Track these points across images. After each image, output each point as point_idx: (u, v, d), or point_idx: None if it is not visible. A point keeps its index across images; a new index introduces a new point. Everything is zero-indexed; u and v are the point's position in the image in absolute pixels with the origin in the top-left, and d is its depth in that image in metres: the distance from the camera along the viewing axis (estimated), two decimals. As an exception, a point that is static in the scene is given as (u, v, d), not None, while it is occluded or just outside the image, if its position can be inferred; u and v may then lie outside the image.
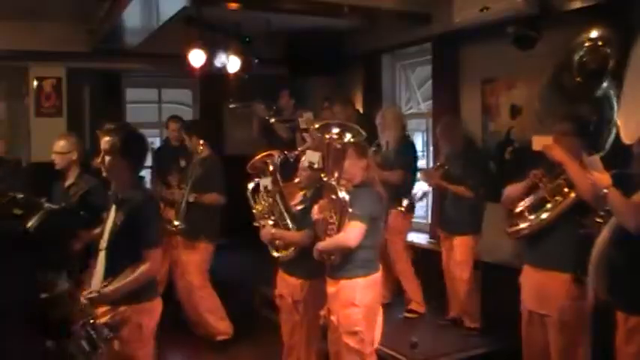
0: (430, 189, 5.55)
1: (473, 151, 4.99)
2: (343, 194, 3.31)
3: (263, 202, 4.04)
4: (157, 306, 3.05)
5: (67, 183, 4.16)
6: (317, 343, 3.92)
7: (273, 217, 3.97)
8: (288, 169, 4.21)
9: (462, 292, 4.79)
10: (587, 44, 3.31)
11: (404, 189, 5.08)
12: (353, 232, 3.30)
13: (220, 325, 5.11)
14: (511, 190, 3.51)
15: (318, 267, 3.63)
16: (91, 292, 2.88)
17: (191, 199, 4.91)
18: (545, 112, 3.52)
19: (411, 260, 5.26)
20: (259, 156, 4.09)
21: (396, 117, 5.30)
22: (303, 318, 3.88)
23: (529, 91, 5.08)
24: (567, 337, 3.21)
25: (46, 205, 3.55)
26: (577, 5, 4.36)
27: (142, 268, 2.88)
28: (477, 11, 4.71)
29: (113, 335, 2.87)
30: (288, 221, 3.90)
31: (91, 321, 2.85)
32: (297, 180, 4.00)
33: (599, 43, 3.24)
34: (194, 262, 5.08)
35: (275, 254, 3.93)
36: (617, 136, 2.99)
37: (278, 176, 4.04)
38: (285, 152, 4.37)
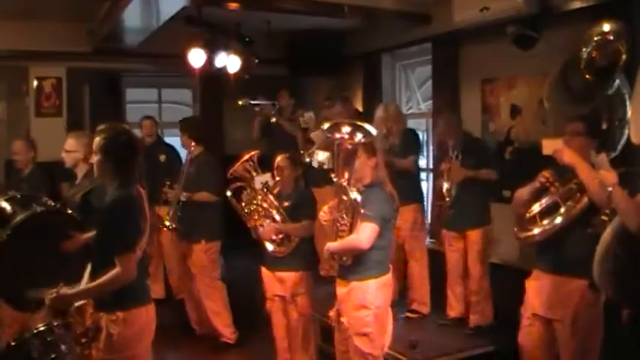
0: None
1: (475, 140, 4.98)
2: (355, 195, 3.25)
3: (254, 202, 4.06)
4: (135, 317, 2.85)
5: (77, 182, 4.16)
6: (315, 339, 3.95)
7: (271, 214, 4.01)
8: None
9: (476, 290, 4.72)
10: (596, 39, 3.21)
11: (408, 182, 5.07)
12: (366, 234, 3.24)
13: (225, 330, 5.10)
14: (519, 193, 3.41)
15: (312, 259, 3.68)
16: (52, 293, 2.80)
17: (183, 199, 4.91)
18: (555, 112, 3.46)
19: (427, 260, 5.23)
20: (239, 162, 4.14)
21: (398, 110, 5.31)
22: (302, 312, 3.93)
23: (529, 91, 5.09)
24: (580, 342, 3.16)
25: (34, 204, 3.58)
26: (577, 5, 4.37)
27: (111, 273, 2.73)
28: (477, 11, 4.71)
29: (88, 341, 2.83)
30: (285, 216, 4.01)
31: (56, 324, 2.83)
32: (277, 179, 4.08)
33: (610, 37, 3.14)
34: (200, 264, 5.04)
35: (277, 250, 3.99)
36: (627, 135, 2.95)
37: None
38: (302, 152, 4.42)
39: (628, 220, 2.72)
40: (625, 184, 2.79)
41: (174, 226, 4.88)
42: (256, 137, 6.37)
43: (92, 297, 2.87)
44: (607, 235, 2.86)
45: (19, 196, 3.74)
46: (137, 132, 6.38)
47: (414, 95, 6.96)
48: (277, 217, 4.06)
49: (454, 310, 4.91)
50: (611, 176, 2.80)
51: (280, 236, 4.00)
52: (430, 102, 6.37)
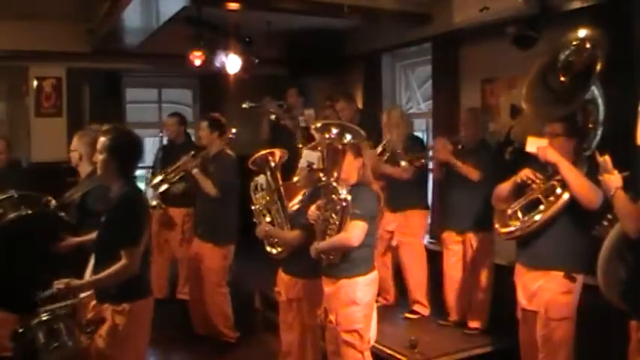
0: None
1: (486, 144, 4.91)
2: (345, 194, 3.30)
3: (261, 200, 4.07)
4: (139, 309, 2.98)
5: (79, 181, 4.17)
6: (315, 342, 3.92)
7: (270, 215, 4.00)
8: (291, 168, 4.21)
9: (478, 294, 4.71)
10: (574, 44, 3.31)
11: (417, 186, 5.08)
12: (355, 232, 3.31)
13: (227, 331, 5.09)
14: (499, 189, 3.51)
15: (313, 266, 3.65)
16: (60, 283, 2.90)
17: (194, 171, 4.95)
18: (535, 113, 3.52)
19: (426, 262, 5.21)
20: (262, 152, 4.11)
21: (401, 116, 5.24)
22: (297, 316, 3.90)
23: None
24: (551, 330, 3.24)
25: (23, 206, 3.58)
26: (577, 5, 4.36)
27: (117, 265, 2.86)
28: (477, 11, 4.71)
29: (92, 331, 2.92)
30: (284, 220, 3.93)
31: (63, 312, 2.90)
32: (295, 179, 4.01)
33: (587, 43, 3.25)
34: (212, 266, 4.99)
35: (270, 251, 3.98)
36: (631, 136, 2.95)
37: (278, 174, 4.06)
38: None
39: (627, 226, 2.74)
40: (628, 188, 2.79)
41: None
42: (265, 137, 6.34)
43: (98, 287, 2.96)
44: (610, 241, 2.87)
45: (16, 195, 3.72)
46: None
47: (414, 95, 6.96)
48: (281, 220, 3.99)
49: (453, 313, 4.90)
50: (615, 179, 2.80)
51: (273, 239, 3.99)
52: (430, 102, 6.37)
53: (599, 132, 3.27)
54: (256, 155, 4.08)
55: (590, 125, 3.27)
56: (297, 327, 3.89)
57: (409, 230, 5.12)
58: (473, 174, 4.59)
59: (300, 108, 6.23)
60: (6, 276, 3.42)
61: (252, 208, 4.09)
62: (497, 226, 3.50)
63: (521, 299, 3.44)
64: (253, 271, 5.52)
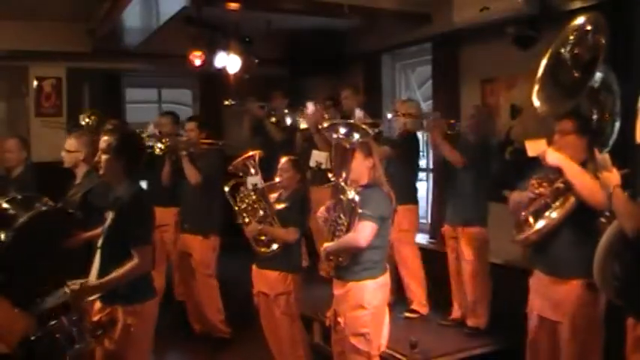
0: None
1: (486, 146, 4.88)
2: (353, 195, 3.25)
3: (247, 200, 4.11)
4: (148, 309, 3.03)
5: (76, 182, 4.16)
6: (304, 335, 3.98)
7: (259, 215, 4.08)
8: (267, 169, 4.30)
9: (471, 292, 4.71)
10: (574, 34, 3.22)
11: (407, 183, 5.07)
12: (364, 232, 3.25)
13: (221, 325, 5.15)
14: (514, 197, 3.41)
15: (298, 261, 3.80)
16: (74, 283, 2.89)
17: (191, 149, 5.04)
18: (548, 111, 3.43)
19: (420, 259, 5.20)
20: (241, 158, 4.22)
21: (417, 108, 5.23)
22: (285, 311, 3.97)
23: (529, 91, 5.07)
24: (580, 343, 3.13)
25: (37, 204, 3.59)
26: (577, 5, 4.37)
27: (130, 264, 2.87)
28: (477, 11, 4.72)
29: (102, 334, 2.91)
30: (275, 218, 4.04)
31: (74, 317, 2.90)
32: (277, 179, 4.11)
33: (587, 28, 3.15)
34: (201, 259, 5.10)
35: (260, 250, 4.06)
36: (630, 134, 2.91)
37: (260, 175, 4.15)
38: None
39: (625, 224, 2.69)
40: (627, 186, 2.76)
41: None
42: (247, 135, 6.35)
43: (112, 288, 2.94)
44: (606, 239, 2.84)
45: (20, 197, 3.73)
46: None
47: (414, 95, 6.95)
48: (271, 219, 4.09)
49: (456, 311, 4.90)
50: (613, 177, 2.74)
51: (264, 237, 4.07)
52: (430, 102, 6.37)
53: (617, 124, 3.12)
54: (236, 161, 4.21)
55: (607, 116, 3.12)
56: (287, 322, 3.98)
57: (399, 226, 5.07)
58: (456, 158, 4.61)
59: (283, 110, 6.20)
60: (20, 274, 3.40)
61: (236, 208, 4.17)
62: (514, 233, 3.37)
63: (539, 307, 3.29)
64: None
